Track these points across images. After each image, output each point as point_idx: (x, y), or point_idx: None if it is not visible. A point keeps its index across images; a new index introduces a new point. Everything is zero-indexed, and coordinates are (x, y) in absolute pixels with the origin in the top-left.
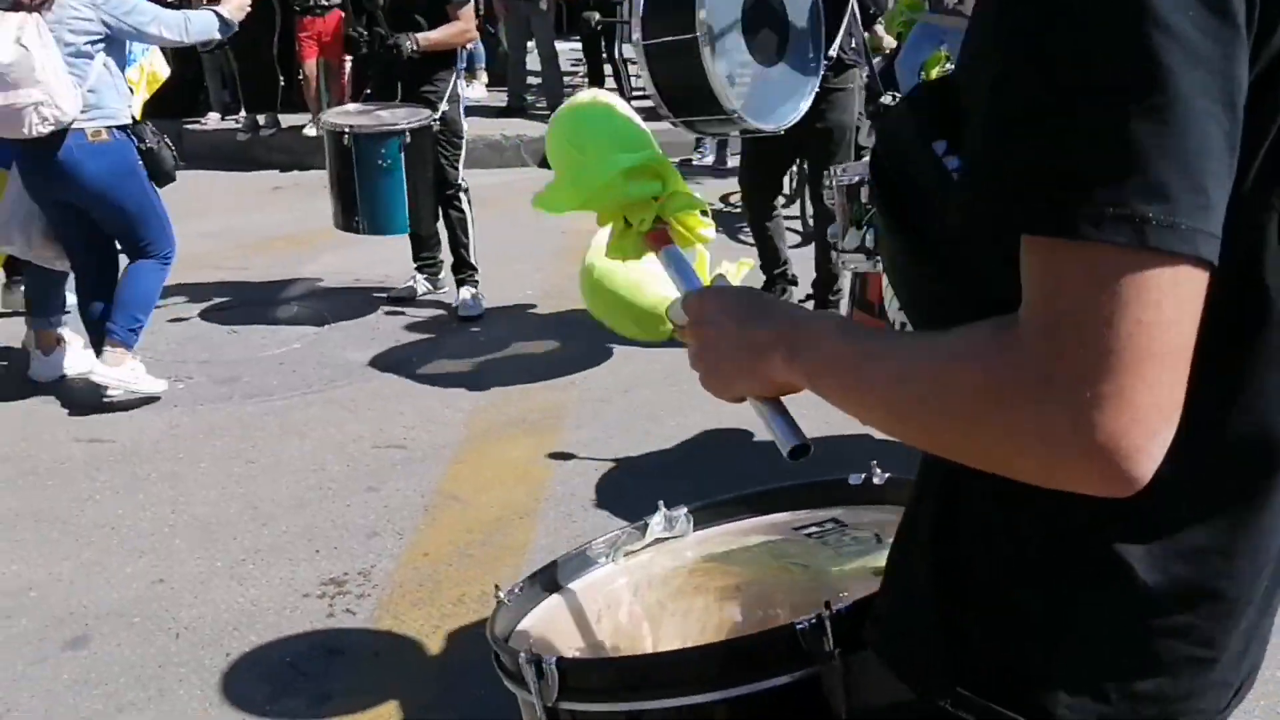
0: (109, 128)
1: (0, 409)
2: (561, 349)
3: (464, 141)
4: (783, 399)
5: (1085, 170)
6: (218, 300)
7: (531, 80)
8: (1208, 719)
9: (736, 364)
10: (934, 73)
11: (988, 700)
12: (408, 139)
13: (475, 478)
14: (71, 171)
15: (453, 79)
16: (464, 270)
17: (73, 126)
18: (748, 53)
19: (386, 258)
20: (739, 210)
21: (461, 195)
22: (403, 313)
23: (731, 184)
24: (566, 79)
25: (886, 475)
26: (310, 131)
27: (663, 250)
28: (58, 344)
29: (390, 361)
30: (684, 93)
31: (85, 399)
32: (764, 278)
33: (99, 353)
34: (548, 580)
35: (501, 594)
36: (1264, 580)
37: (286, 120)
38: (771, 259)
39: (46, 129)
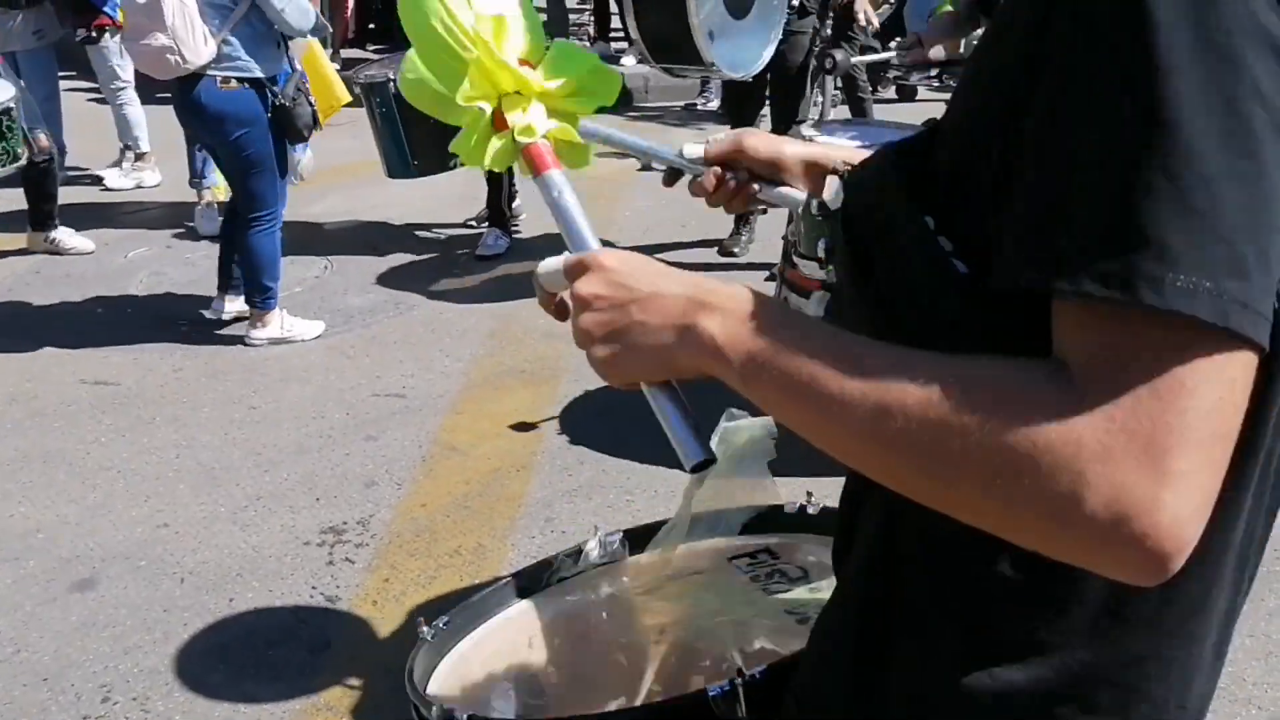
0: (239, 79)
1: (7, 350)
2: None
3: None
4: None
5: (1167, 235)
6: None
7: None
8: None
9: (646, 333)
10: (942, 11)
11: None
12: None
13: (473, 428)
14: (199, 112)
15: None
16: (497, 215)
17: (206, 73)
18: (723, 4)
19: (389, 201)
20: None
21: None
22: (403, 257)
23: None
24: (572, 16)
25: (820, 505)
26: None
27: (548, 172)
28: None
29: (390, 308)
30: (667, 42)
31: (90, 341)
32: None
33: (222, 287)
34: (475, 612)
35: (426, 631)
36: (1194, 653)
37: None
38: None
39: (174, 73)
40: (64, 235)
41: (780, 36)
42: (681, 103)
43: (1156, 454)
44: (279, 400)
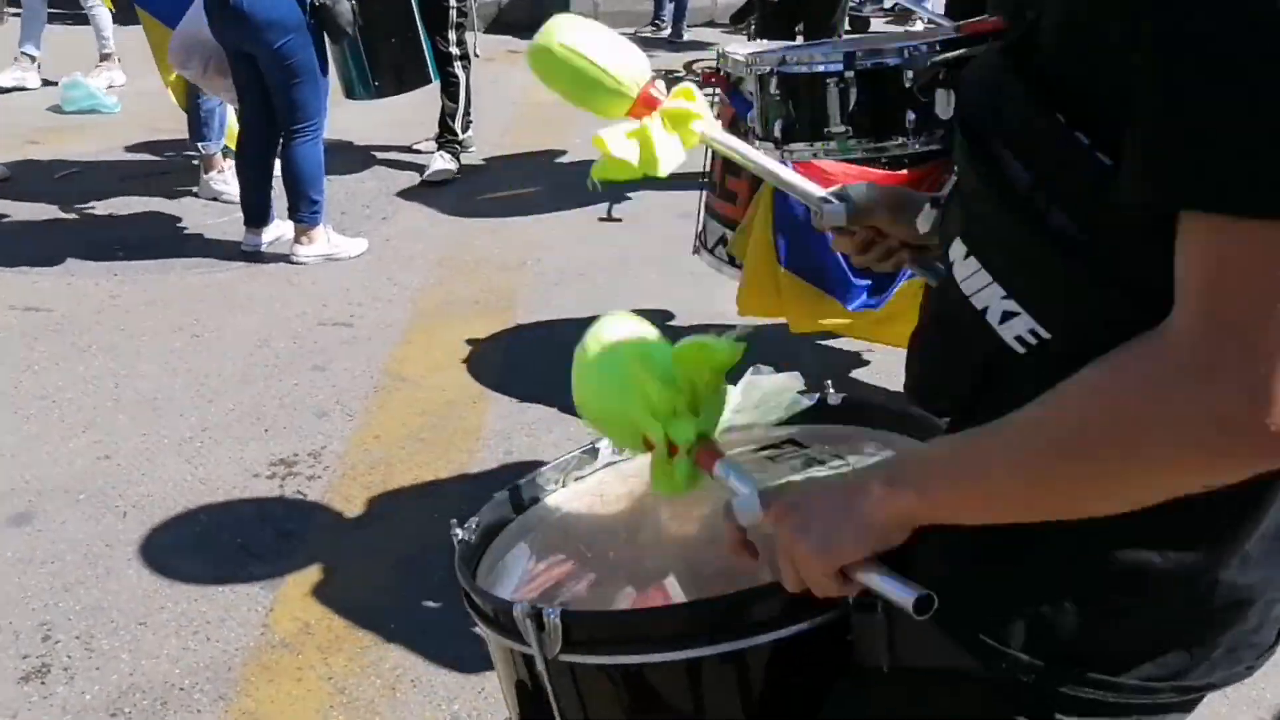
0: None
1: None
2: (512, 228)
3: (451, 9)
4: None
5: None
6: (158, 164)
7: None
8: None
9: (834, 520)
10: None
11: (1051, 666)
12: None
13: (424, 358)
14: (241, 22)
15: None
16: (443, 135)
17: None
18: None
19: (330, 124)
20: (698, 78)
21: (455, 64)
22: (348, 182)
23: (688, 56)
24: None
25: (841, 396)
26: None
27: (716, 465)
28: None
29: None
30: None
31: (19, 265)
32: None
33: (247, 213)
34: (503, 510)
35: (459, 532)
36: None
37: None
38: None
39: None
40: None
41: None
42: (632, 29)
43: (1254, 355)
44: (222, 328)
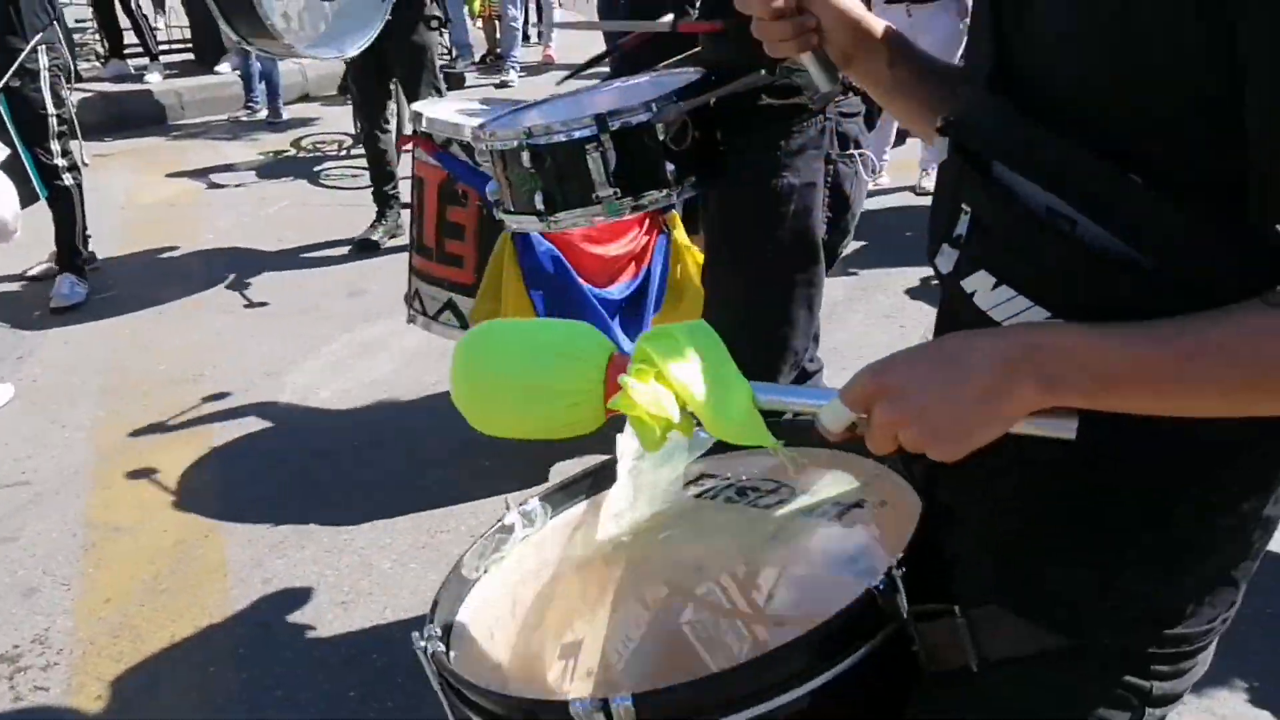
0: None
1: None
2: (170, 340)
3: (50, 117)
4: None
5: None
6: None
7: None
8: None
9: (971, 420)
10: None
11: (1139, 629)
12: None
13: (130, 500)
14: None
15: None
16: (64, 254)
17: None
18: None
19: None
20: (314, 154)
21: (64, 175)
22: None
23: (294, 134)
24: (75, 36)
25: None
26: None
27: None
28: None
29: None
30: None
31: None
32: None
33: None
34: (445, 615)
35: (423, 643)
36: None
37: None
38: (383, 176)
39: None
40: None
41: (388, 15)
42: (225, 115)
43: None
44: None
